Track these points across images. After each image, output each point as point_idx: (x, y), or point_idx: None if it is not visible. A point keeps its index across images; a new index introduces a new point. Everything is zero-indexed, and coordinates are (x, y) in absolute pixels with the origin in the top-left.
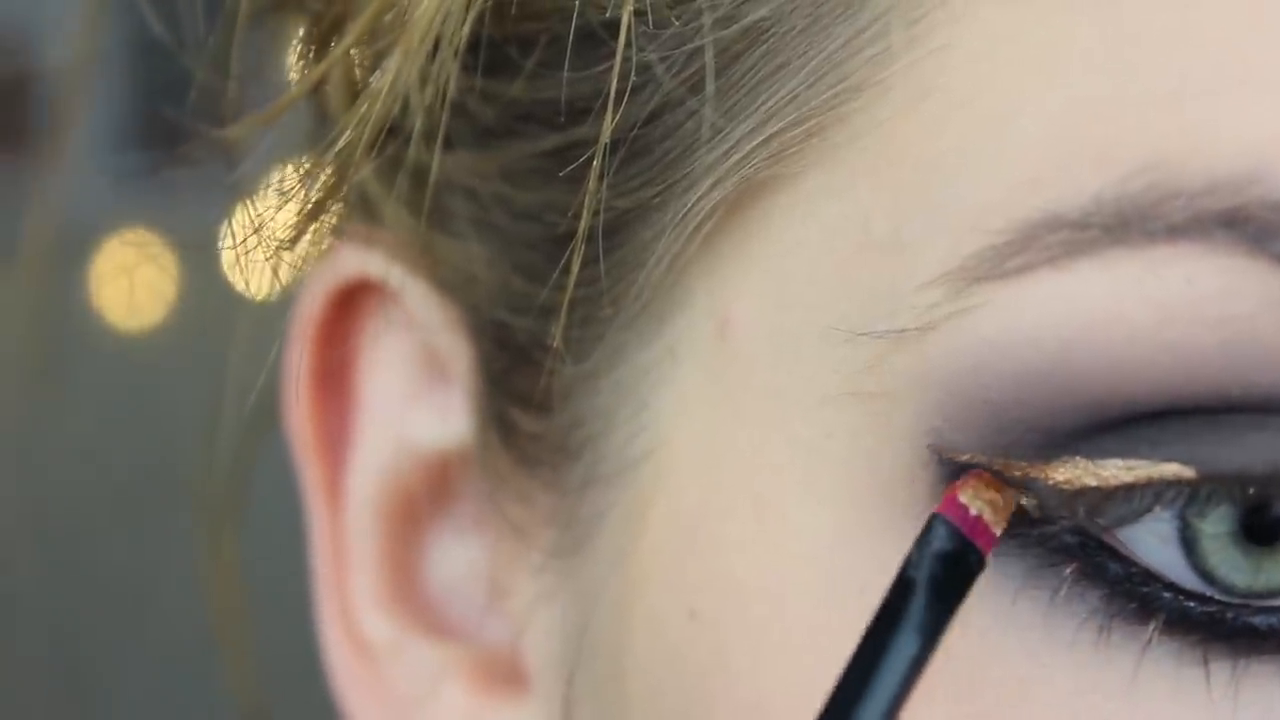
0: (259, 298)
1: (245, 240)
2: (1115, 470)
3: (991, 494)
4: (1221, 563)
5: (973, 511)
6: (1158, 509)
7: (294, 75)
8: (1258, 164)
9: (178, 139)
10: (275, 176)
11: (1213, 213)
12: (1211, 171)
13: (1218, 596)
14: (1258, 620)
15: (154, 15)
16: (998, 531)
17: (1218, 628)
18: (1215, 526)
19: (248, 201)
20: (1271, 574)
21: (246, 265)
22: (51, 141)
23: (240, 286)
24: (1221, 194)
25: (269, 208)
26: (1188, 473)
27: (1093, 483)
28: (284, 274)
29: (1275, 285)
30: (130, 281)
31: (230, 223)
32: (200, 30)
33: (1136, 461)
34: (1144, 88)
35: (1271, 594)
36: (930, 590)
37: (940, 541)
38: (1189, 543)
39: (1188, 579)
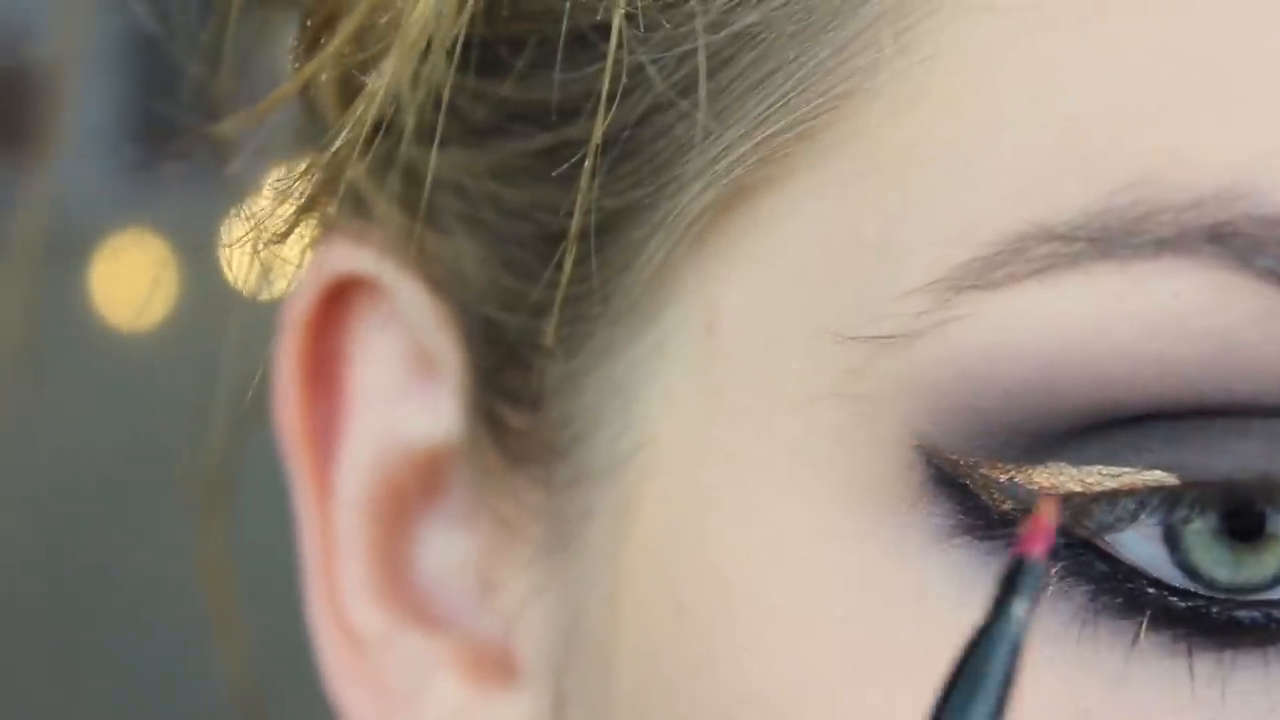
0: (255, 294)
1: (240, 237)
2: (1099, 476)
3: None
4: (1204, 558)
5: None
6: (1143, 516)
7: (289, 71)
8: (1243, 179)
9: (177, 135)
10: (272, 173)
11: (1198, 227)
12: (1197, 186)
13: (1201, 591)
14: (1241, 615)
15: (148, 10)
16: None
17: (1202, 622)
18: (1198, 523)
19: (246, 199)
20: (1253, 570)
21: (244, 262)
22: (41, 137)
23: (237, 283)
24: (1207, 209)
25: (262, 205)
26: (1170, 480)
27: (1076, 488)
28: (280, 270)
29: (1260, 300)
30: (130, 280)
31: (228, 220)
32: (193, 25)
33: (1120, 469)
34: (1129, 103)
35: (1252, 589)
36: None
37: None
38: (1172, 538)
39: (1171, 574)
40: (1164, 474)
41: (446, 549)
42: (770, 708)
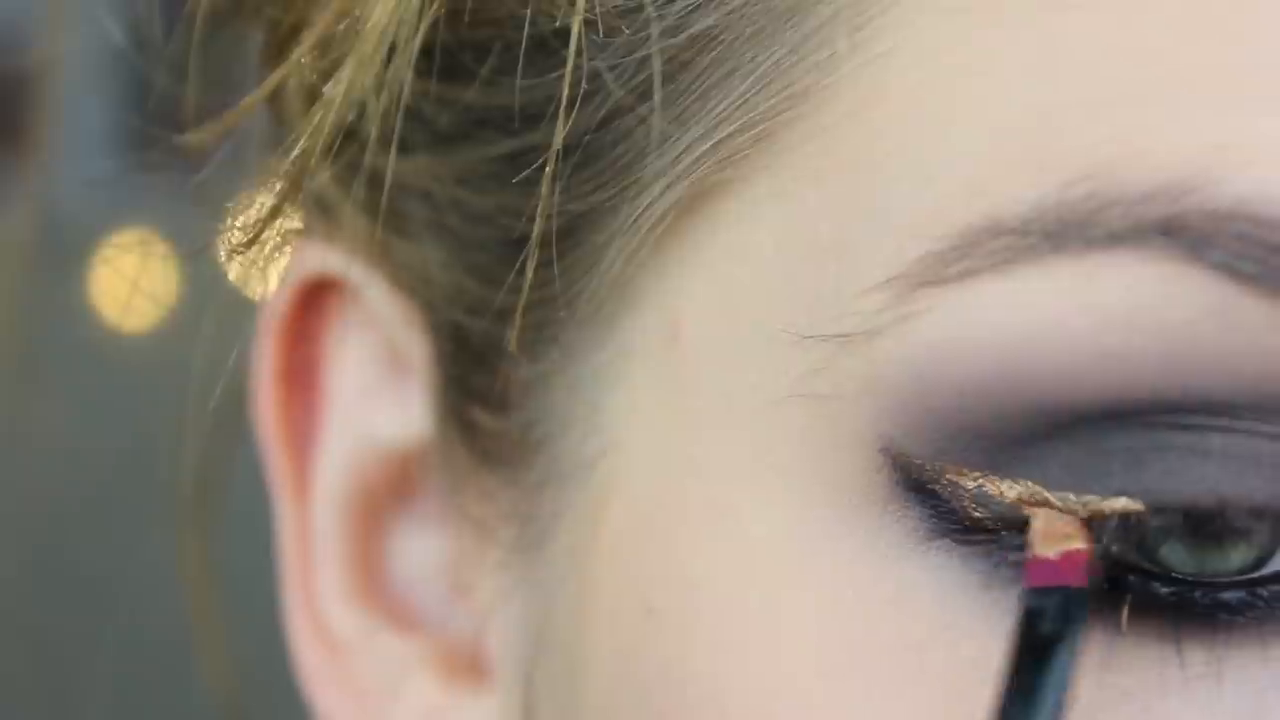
0: (245, 297)
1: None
2: (1069, 503)
3: (1054, 526)
4: (1168, 555)
5: (1052, 556)
6: (1113, 547)
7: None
8: (1195, 172)
9: (160, 143)
10: (258, 180)
11: (1150, 221)
12: (1148, 179)
13: (1180, 576)
14: (1227, 596)
15: (124, 22)
16: (1079, 545)
17: (1188, 609)
18: (1159, 532)
19: (236, 204)
20: (1217, 564)
21: (227, 265)
22: (37, 138)
23: (234, 285)
24: (1159, 202)
25: (233, 211)
26: (1135, 505)
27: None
28: (262, 273)
29: (1213, 293)
30: (126, 282)
31: (224, 225)
32: (162, 36)
33: (1088, 496)
34: (1082, 95)
35: (1223, 577)
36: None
37: (1045, 613)
38: (1137, 545)
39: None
40: (1129, 501)
41: (419, 550)
42: (741, 707)
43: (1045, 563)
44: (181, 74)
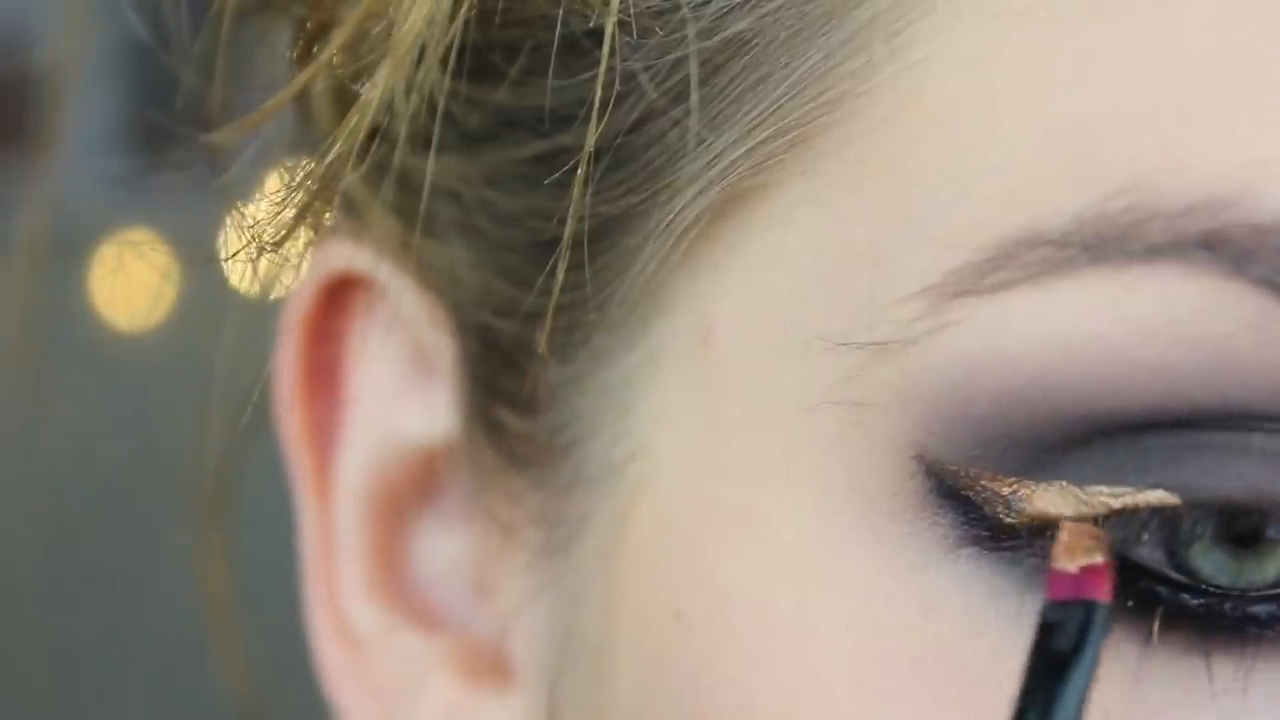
0: (257, 296)
1: (237, 245)
2: (1103, 498)
3: (1076, 539)
4: (1204, 565)
5: (1073, 569)
6: (1145, 536)
7: (286, 79)
8: (1237, 186)
9: (175, 141)
10: (272, 178)
11: (1191, 234)
12: (1190, 193)
13: (1211, 589)
14: (1257, 610)
15: (141, 18)
16: (1100, 560)
17: (1217, 620)
18: (1195, 529)
19: (244, 204)
20: (1253, 574)
21: (244, 265)
22: (41, 140)
23: (238, 286)
24: (1200, 216)
25: (259, 212)
26: (1171, 499)
27: (1084, 510)
28: (282, 271)
29: (1254, 307)
30: (128, 282)
31: (228, 224)
32: (186, 33)
33: (1122, 489)
34: (1123, 106)
35: (1256, 590)
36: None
37: (1063, 627)
38: (1171, 548)
39: (1176, 577)
40: (1165, 494)
41: (442, 549)
42: (770, 714)
43: (1065, 576)
44: (205, 71)
